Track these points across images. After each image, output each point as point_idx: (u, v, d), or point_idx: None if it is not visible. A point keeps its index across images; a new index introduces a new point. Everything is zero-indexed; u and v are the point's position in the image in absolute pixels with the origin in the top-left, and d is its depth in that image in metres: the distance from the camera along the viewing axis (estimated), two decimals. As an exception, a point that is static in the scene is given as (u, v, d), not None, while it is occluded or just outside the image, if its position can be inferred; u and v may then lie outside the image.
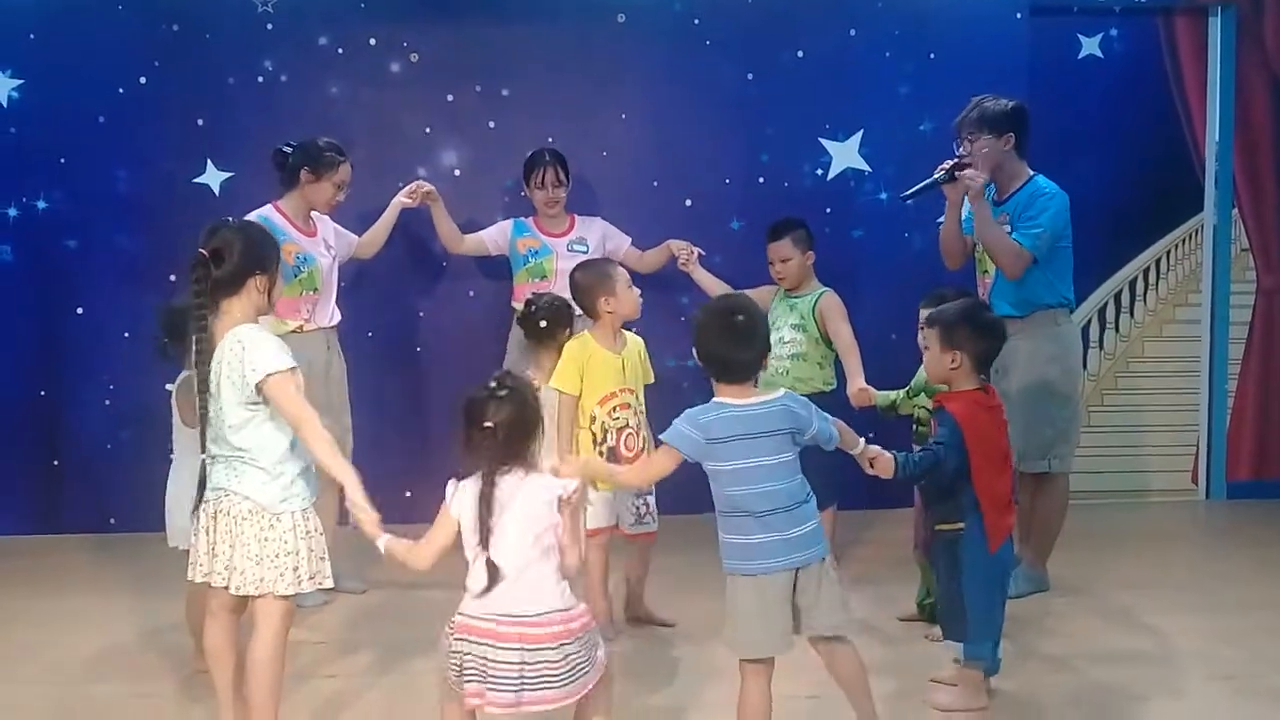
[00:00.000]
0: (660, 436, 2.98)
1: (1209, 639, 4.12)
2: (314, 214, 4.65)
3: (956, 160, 4.50)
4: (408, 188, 5.04)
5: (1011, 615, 4.19)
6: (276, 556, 3.04)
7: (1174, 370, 6.14)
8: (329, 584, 3.15)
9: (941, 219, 5.81)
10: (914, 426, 4.08)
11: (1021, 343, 4.43)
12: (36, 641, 4.15)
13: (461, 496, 2.81)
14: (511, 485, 2.78)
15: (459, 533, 2.82)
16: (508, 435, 2.77)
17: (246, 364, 3.00)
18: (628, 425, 4.08)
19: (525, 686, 2.71)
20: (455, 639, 2.77)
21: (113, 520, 5.45)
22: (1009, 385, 4.46)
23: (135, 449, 5.23)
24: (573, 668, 2.75)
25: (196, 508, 3.16)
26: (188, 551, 3.45)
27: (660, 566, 4.66)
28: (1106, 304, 6.07)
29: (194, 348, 3.08)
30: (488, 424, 2.76)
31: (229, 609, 3.19)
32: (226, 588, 3.09)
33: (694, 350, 3.01)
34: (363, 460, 4.81)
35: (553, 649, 2.73)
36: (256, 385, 2.99)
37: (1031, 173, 4.57)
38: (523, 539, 2.77)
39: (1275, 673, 3.82)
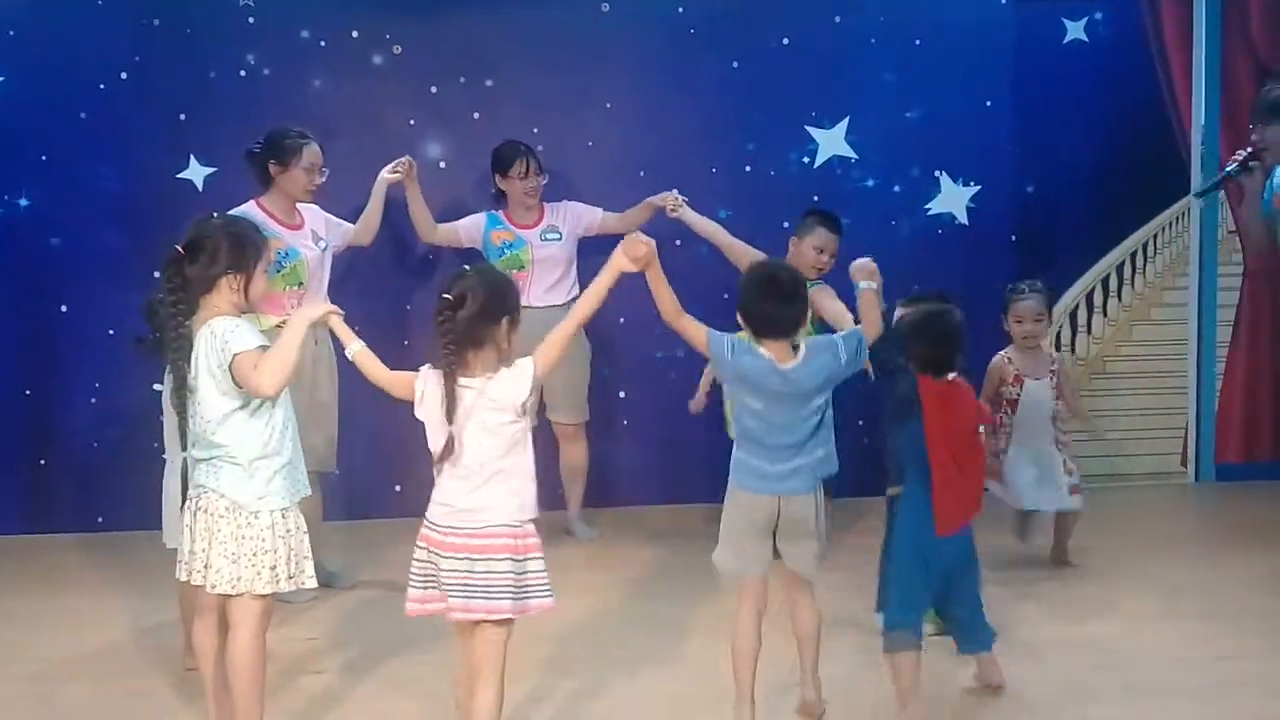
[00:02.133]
0: (709, 331, 3.15)
1: (1199, 619, 4.13)
2: (300, 206, 4.63)
3: (1249, 150, 4.44)
4: (390, 164, 4.99)
5: (1001, 595, 4.22)
6: (254, 555, 3.01)
7: (1162, 353, 6.14)
8: (311, 584, 3.12)
9: (929, 205, 5.85)
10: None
11: None
12: (25, 640, 4.13)
13: (428, 388, 2.89)
14: (475, 391, 2.86)
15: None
16: (471, 315, 2.82)
17: (221, 351, 2.97)
18: None
19: (471, 594, 2.84)
20: (417, 546, 2.92)
21: (100, 519, 5.43)
22: None
23: (122, 447, 5.20)
24: (520, 584, 2.86)
25: (183, 506, 3.14)
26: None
27: (644, 558, 4.70)
28: (1094, 288, 6.07)
29: (170, 346, 3.06)
30: (446, 294, 2.85)
31: (216, 607, 3.17)
32: (204, 585, 3.07)
33: (737, 311, 3.17)
34: (352, 453, 4.86)
35: (497, 560, 2.84)
36: (228, 366, 2.95)
37: None
38: (486, 447, 2.86)
39: (1266, 652, 3.84)
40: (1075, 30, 5.94)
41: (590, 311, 3.04)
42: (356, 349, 3.03)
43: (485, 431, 2.88)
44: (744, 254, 4.91)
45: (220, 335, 2.98)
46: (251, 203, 4.54)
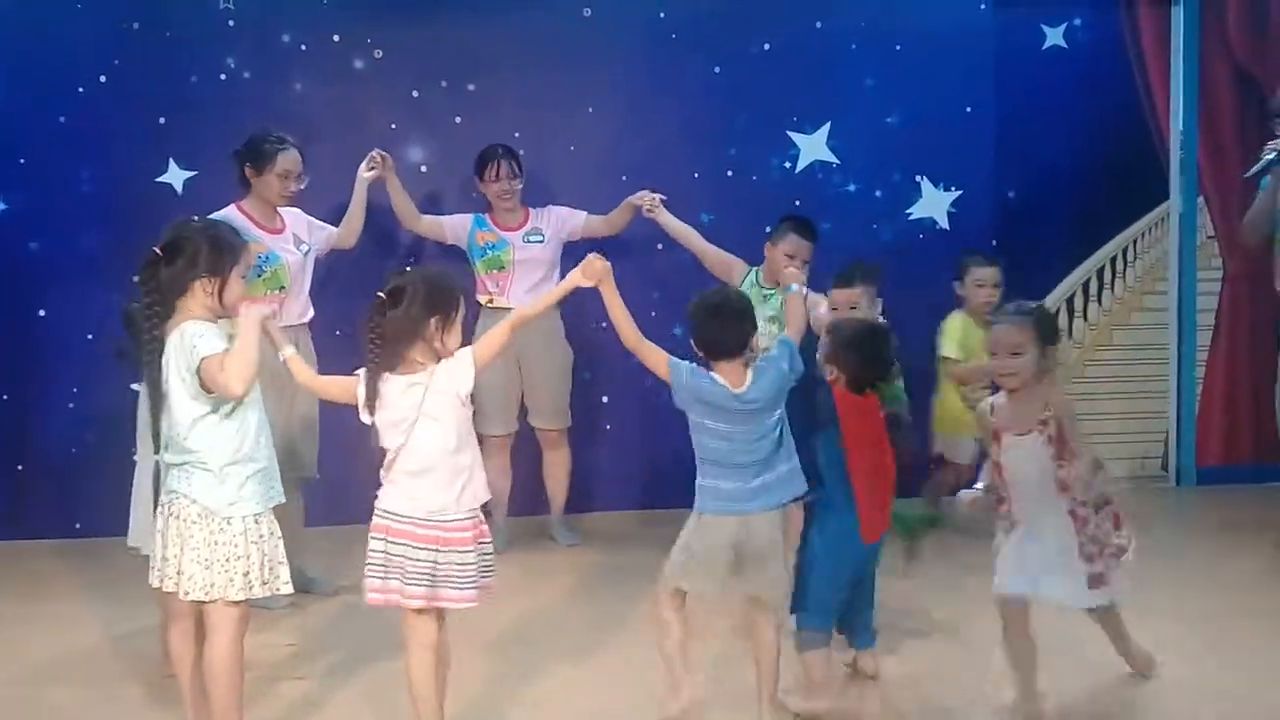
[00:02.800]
0: (670, 359, 3.22)
1: (1181, 621, 4.15)
2: (282, 209, 4.61)
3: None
4: (365, 160, 4.97)
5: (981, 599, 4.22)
6: (226, 561, 2.99)
7: (1143, 357, 6.17)
8: (286, 590, 3.12)
9: (910, 210, 5.87)
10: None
11: None
12: (2, 646, 4.10)
13: (380, 392, 2.97)
14: (422, 386, 2.94)
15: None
16: (398, 314, 2.92)
17: (190, 354, 2.96)
18: None
19: (436, 584, 2.95)
20: (373, 538, 2.99)
21: (78, 524, 5.38)
22: None
23: (100, 452, 5.16)
24: (478, 570, 2.99)
25: (155, 511, 3.12)
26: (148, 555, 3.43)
27: (626, 563, 4.68)
28: (1075, 293, 6.10)
29: (145, 348, 3.04)
30: (379, 294, 2.95)
31: (191, 613, 3.15)
32: (176, 592, 3.05)
33: (691, 339, 3.25)
34: (334, 457, 4.83)
35: (460, 551, 2.96)
36: (196, 370, 2.94)
37: None
38: (438, 437, 2.96)
39: (1247, 653, 3.86)
40: (1054, 36, 5.97)
41: (532, 314, 3.24)
42: (289, 353, 3.15)
43: (436, 424, 2.96)
44: (717, 260, 4.94)
45: (189, 339, 2.97)
46: (232, 206, 4.52)
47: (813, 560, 3.38)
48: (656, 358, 3.21)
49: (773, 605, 3.29)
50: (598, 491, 5.69)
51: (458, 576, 2.97)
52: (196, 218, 3.31)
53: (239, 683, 3.08)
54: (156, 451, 3.10)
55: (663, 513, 5.54)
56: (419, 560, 2.95)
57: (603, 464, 5.73)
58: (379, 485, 5.34)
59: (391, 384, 2.97)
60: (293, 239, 4.61)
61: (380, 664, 3.83)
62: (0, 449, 5.44)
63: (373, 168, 4.95)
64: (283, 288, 4.51)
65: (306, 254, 4.65)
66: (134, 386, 3.78)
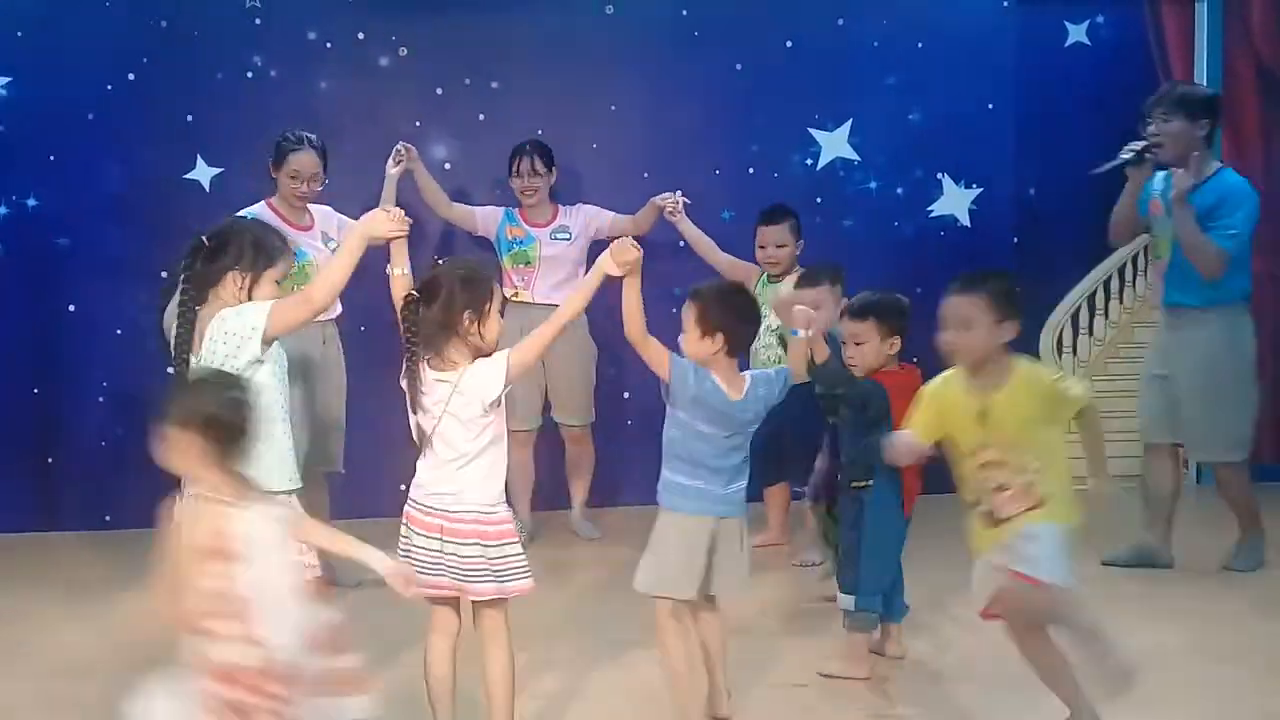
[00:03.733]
0: (672, 356, 3.18)
1: (1203, 620, 4.16)
2: (312, 206, 4.66)
3: (1146, 142, 4.48)
4: (391, 155, 5.02)
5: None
6: None
7: (1164, 356, 6.15)
8: (318, 573, 3.13)
9: (931, 207, 5.88)
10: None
11: (1199, 333, 4.50)
12: (33, 638, 4.16)
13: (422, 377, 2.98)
14: (450, 385, 2.93)
15: None
16: (431, 311, 2.92)
17: (236, 330, 3.01)
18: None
19: (451, 574, 2.96)
20: (402, 524, 3.03)
21: (108, 517, 5.45)
22: (1180, 374, 4.54)
23: (129, 445, 5.21)
24: (495, 570, 2.96)
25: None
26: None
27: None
28: (1096, 290, 6.10)
29: (175, 336, 3.10)
30: (414, 290, 2.95)
31: None
32: None
33: (703, 322, 3.17)
34: (356, 452, 4.88)
35: (465, 544, 2.95)
36: (265, 325, 2.99)
37: (1218, 164, 4.56)
38: (458, 436, 2.95)
39: (1270, 651, 3.86)
40: (1077, 33, 5.97)
41: (573, 313, 3.09)
42: (399, 273, 3.05)
43: (457, 423, 2.96)
44: (731, 268, 5.01)
45: (234, 319, 3.03)
46: (263, 203, 4.57)
47: (867, 545, 3.54)
48: (659, 354, 3.17)
49: (735, 599, 3.36)
50: (619, 487, 5.72)
51: (463, 569, 2.96)
52: (245, 216, 3.38)
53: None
54: None
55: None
56: (429, 549, 2.98)
57: (625, 459, 5.76)
58: (403, 479, 5.42)
59: (425, 375, 2.99)
60: (321, 236, 4.66)
61: (404, 655, 3.87)
62: (31, 442, 5.51)
63: (399, 161, 4.99)
64: (309, 283, 4.56)
65: (335, 250, 4.69)
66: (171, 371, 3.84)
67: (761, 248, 4.91)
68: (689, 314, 3.22)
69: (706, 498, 3.20)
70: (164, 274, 4.91)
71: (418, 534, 3.00)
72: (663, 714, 3.44)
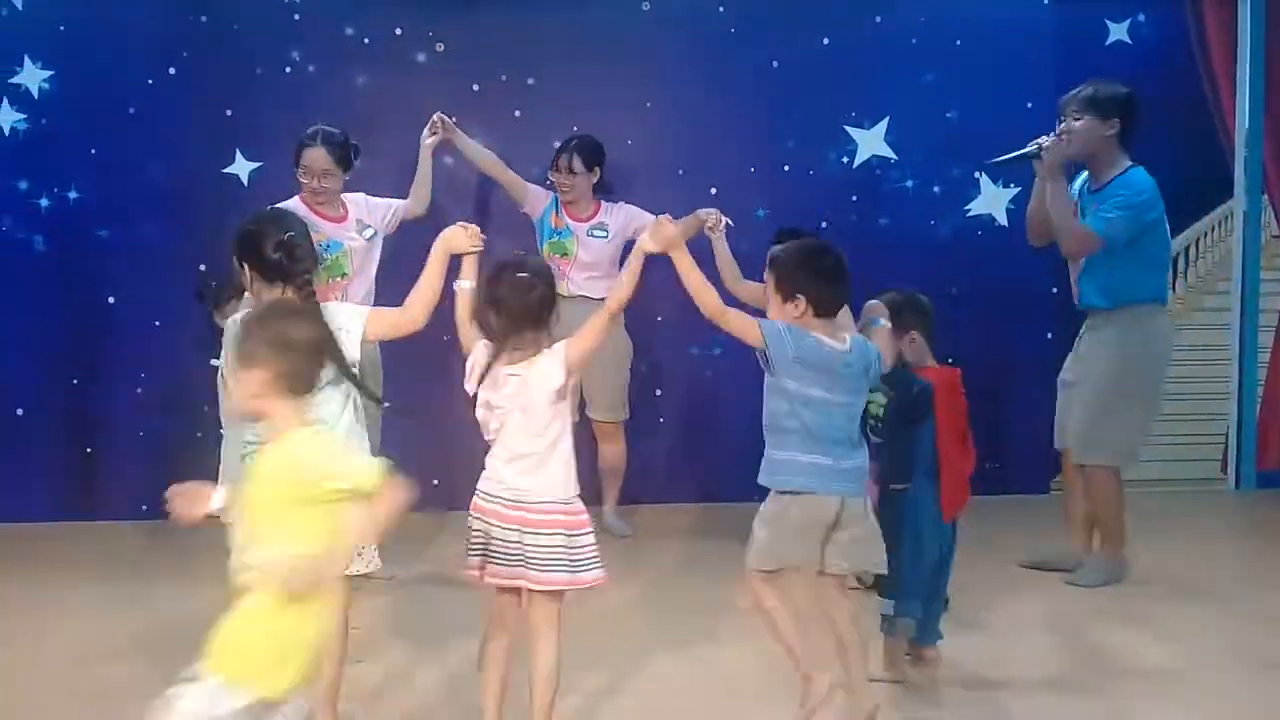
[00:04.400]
0: (760, 320, 3.09)
1: (1244, 626, 4.11)
2: (344, 195, 4.70)
3: (1052, 136, 4.44)
4: (427, 126, 5.04)
5: (1043, 602, 4.24)
6: None
7: (1204, 358, 6.09)
8: (377, 565, 3.22)
9: (968, 207, 5.83)
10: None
11: (1104, 333, 4.46)
12: (69, 625, 4.20)
13: (479, 363, 2.98)
14: (520, 378, 2.94)
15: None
16: (539, 298, 2.94)
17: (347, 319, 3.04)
18: None
19: (528, 565, 2.94)
20: (469, 515, 3.01)
21: (145, 507, 5.49)
22: (1086, 374, 4.49)
23: (167, 436, 5.28)
24: (572, 559, 2.96)
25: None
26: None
27: (678, 554, 4.69)
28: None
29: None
30: (522, 274, 2.94)
31: None
32: None
33: (782, 286, 3.10)
34: (390, 447, 4.90)
35: (548, 534, 2.94)
36: (363, 327, 3.04)
37: (1129, 163, 4.50)
38: (529, 429, 2.95)
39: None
40: (1118, 31, 5.90)
41: (624, 298, 3.06)
42: (467, 286, 3.08)
43: (527, 414, 2.96)
44: (750, 296, 4.81)
45: (330, 312, 3.01)
46: (297, 197, 4.60)
47: (907, 545, 3.41)
48: (745, 323, 3.06)
49: (879, 569, 3.23)
50: (650, 484, 5.72)
51: (543, 558, 2.96)
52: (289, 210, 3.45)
53: (343, 655, 3.17)
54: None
55: (715, 506, 5.58)
56: (506, 540, 2.97)
57: (656, 456, 5.76)
58: (437, 472, 5.47)
59: (494, 371, 3.00)
60: (355, 225, 4.69)
61: (437, 648, 3.90)
62: (70, 432, 5.57)
63: (434, 133, 5.03)
64: (344, 274, 4.59)
65: (371, 238, 4.72)
66: (214, 362, 3.88)
67: None
68: (768, 281, 3.18)
69: (826, 474, 3.07)
70: (202, 267, 5.04)
71: (495, 526, 2.98)
72: (694, 714, 3.44)
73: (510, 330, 2.96)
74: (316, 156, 4.58)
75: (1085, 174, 4.57)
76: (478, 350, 3.02)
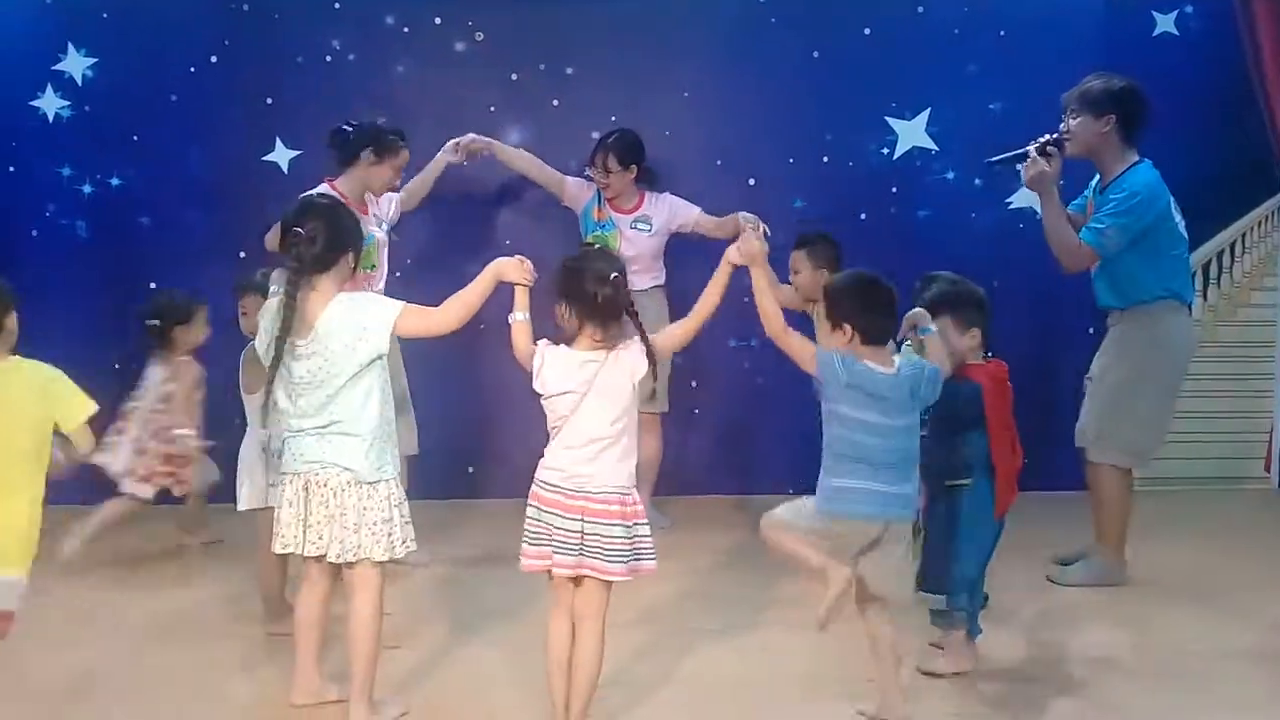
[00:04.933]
0: (817, 348, 3.19)
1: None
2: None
3: (1053, 135, 4.38)
4: (453, 142, 5.08)
5: (1077, 604, 4.20)
6: (374, 524, 3.14)
7: (1247, 355, 6.00)
8: (414, 548, 3.27)
9: (1010, 199, 5.76)
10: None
11: (1118, 332, 4.42)
12: (109, 606, 4.25)
13: (546, 362, 3.03)
14: (598, 364, 3.00)
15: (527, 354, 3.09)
16: (623, 292, 3.02)
17: (368, 321, 3.11)
18: None
19: (587, 554, 2.99)
20: (529, 506, 3.05)
21: (182, 491, 5.55)
22: (1101, 373, 4.45)
23: (207, 422, 5.31)
24: (634, 549, 3.01)
25: (272, 480, 3.24)
26: (254, 514, 3.57)
27: (715, 546, 4.67)
28: (1179, 286, 5.95)
29: (279, 320, 3.14)
30: (614, 273, 3.00)
31: (328, 576, 3.30)
32: (322, 557, 3.18)
33: (832, 316, 3.20)
34: (425, 436, 4.92)
35: (609, 524, 2.99)
36: (394, 326, 3.10)
37: (1135, 160, 4.42)
38: (602, 418, 3.01)
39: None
40: (1165, 23, 5.81)
41: (711, 308, 3.17)
42: (520, 318, 3.13)
43: (602, 400, 3.01)
44: (790, 300, 4.77)
45: (363, 305, 3.15)
46: (326, 184, 4.58)
47: (962, 544, 3.50)
48: (802, 348, 3.17)
49: (898, 600, 3.30)
50: (685, 477, 5.70)
51: (604, 548, 3.00)
52: (318, 196, 3.47)
53: (378, 642, 3.22)
54: (263, 424, 3.22)
55: (751, 499, 5.56)
56: (569, 530, 3.00)
57: (691, 448, 5.75)
58: (472, 463, 5.46)
59: (568, 357, 3.04)
60: (375, 219, 4.71)
61: (473, 635, 3.92)
62: (110, 418, 5.60)
63: (458, 151, 5.07)
64: (373, 266, 4.59)
65: (388, 231, 4.75)
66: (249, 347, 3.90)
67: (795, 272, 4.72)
68: (822, 308, 3.30)
69: (877, 500, 3.13)
70: (242, 254, 5.07)
71: (558, 515, 3.02)
72: (742, 705, 3.43)
73: (588, 322, 3.02)
74: (407, 157, 4.64)
75: (1098, 175, 4.49)
76: (539, 350, 3.07)
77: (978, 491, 3.51)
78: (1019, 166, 4.41)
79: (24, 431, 2.97)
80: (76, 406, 3.05)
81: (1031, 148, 4.38)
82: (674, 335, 3.17)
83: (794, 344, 3.18)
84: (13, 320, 3.05)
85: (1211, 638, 3.97)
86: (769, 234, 4.89)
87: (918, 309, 3.42)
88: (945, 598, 3.52)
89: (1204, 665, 3.73)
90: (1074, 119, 4.39)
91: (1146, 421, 4.46)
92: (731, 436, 5.76)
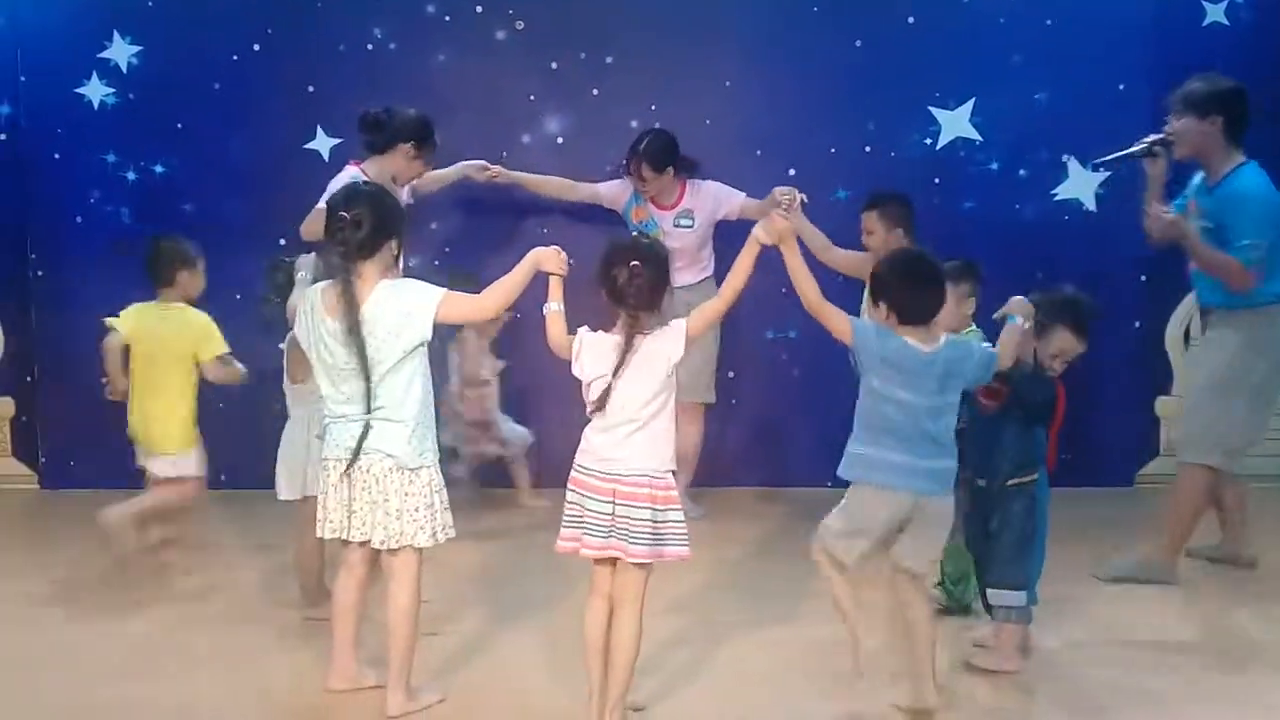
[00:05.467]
0: (854, 320, 3.18)
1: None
2: None
3: (1160, 136, 4.33)
4: (480, 164, 5.13)
5: (1142, 598, 4.16)
6: (415, 510, 3.16)
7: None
8: (453, 534, 3.27)
9: (1055, 191, 5.69)
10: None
11: (1219, 332, 4.36)
12: (156, 591, 4.27)
13: (585, 348, 3.05)
14: (633, 350, 3.00)
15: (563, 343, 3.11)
16: (654, 281, 3.01)
17: (413, 307, 3.11)
18: None
19: (615, 534, 3.00)
20: (568, 490, 3.08)
21: (223, 476, 5.57)
22: (1198, 372, 4.40)
23: (246, 408, 5.33)
24: (657, 534, 3.00)
25: (321, 465, 3.25)
26: (295, 503, 3.58)
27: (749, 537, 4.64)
28: (1227, 281, 5.84)
29: (342, 303, 3.14)
30: (636, 262, 3.00)
31: (367, 561, 3.31)
32: (366, 542, 3.19)
33: (872, 293, 3.20)
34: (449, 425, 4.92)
35: (637, 507, 2.99)
36: (437, 311, 3.11)
37: (1241, 160, 4.34)
38: (638, 397, 3.01)
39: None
40: (1215, 13, 5.71)
41: (739, 287, 3.14)
42: (555, 308, 3.15)
43: (638, 384, 3.01)
44: (848, 263, 4.77)
45: (408, 291, 3.14)
46: (352, 167, 4.59)
47: (1034, 538, 3.50)
48: (839, 320, 3.16)
49: (922, 573, 3.26)
50: (721, 467, 5.67)
51: (630, 530, 3.00)
52: (365, 183, 3.55)
53: (417, 627, 3.24)
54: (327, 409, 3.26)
55: (786, 491, 5.53)
56: (600, 512, 3.02)
57: (727, 440, 5.72)
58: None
59: (603, 342, 3.06)
60: None
61: (511, 622, 3.92)
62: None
63: (477, 175, 5.12)
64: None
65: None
66: (281, 346, 3.93)
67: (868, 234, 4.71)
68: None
69: (900, 470, 3.10)
70: (282, 241, 5.09)
71: (590, 498, 3.03)
72: (775, 697, 3.42)
73: (616, 306, 3.03)
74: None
75: (1201, 173, 4.41)
76: (579, 336, 3.08)
77: (1042, 485, 3.53)
78: (1142, 160, 4.33)
79: (178, 358, 4.28)
80: (210, 347, 4.25)
81: (1138, 148, 4.34)
82: (704, 316, 3.14)
83: (831, 315, 3.17)
84: (184, 275, 4.34)
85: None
86: (806, 202, 4.92)
87: (1023, 300, 3.38)
88: (1025, 593, 3.50)
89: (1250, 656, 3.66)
90: (1178, 120, 4.32)
91: (1246, 423, 4.37)
92: (767, 428, 5.72)
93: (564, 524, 3.09)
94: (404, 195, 4.84)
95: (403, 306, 3.13)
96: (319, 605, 3.81)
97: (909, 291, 3.15)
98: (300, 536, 3.83)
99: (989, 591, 3.53)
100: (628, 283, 3.00)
